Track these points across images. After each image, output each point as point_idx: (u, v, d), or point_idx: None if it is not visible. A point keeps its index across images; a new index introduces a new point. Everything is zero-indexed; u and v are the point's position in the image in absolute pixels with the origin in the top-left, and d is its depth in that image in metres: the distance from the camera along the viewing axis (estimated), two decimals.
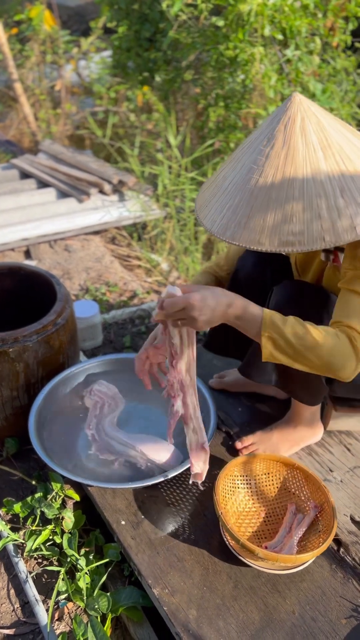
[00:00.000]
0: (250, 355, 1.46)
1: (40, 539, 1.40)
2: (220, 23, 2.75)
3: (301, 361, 1.12)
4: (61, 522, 1.43)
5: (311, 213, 1.05)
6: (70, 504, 1.46)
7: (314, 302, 1.34)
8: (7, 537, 1.41)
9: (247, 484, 1.42)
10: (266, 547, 1.29)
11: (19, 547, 1.44)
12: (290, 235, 1.05)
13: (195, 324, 1.09)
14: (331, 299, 1.34)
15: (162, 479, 1.36)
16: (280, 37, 2.78)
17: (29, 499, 1.47)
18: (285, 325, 1.10)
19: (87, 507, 1.49)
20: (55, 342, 1.57)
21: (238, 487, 1.41)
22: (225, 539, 1.29)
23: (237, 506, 1.39)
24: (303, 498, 1.38)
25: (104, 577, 1.33)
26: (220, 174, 1.18)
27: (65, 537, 1.38)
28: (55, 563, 1.40)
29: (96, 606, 1.26)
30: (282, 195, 1.06)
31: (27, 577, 1.37)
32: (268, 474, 1.43)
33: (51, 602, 1.29)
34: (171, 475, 1.36)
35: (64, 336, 1.60)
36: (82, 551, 1.39)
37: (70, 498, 1.46)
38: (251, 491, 1.42)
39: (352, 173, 1.07)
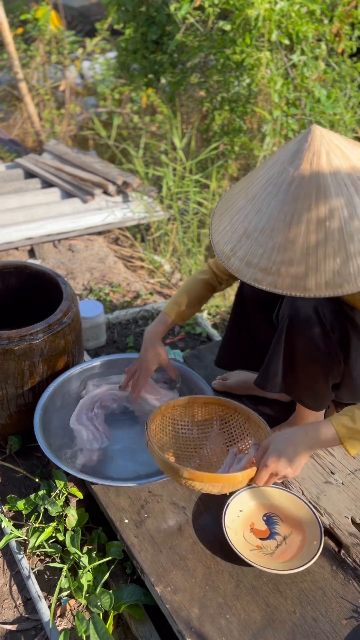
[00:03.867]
0: (265, 368, 1.44)
1: (43, 536, 1.41)
2: (227, 27, 2.77)
3: None
4: (64, 520, 1.44)
5: (356, 256, 1.01)
6: (73, 501, 1.47)
7: (328, 309, 1.33)
8: (10, 533, 1.42)
9: (187, 428, 1.46)
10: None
11: (22, 544, 1.45)
12: (337, 276, 1.01)
13: (290, 476, 1.23)
14: (344, 310, 1.34)
15: (165, 478, 1.37)
16: (286, 42, 2.80)
17: (32, 496, 1.48)
18: (356, 423, 1.16)
19: (90, 505, 1.50)
20: (61, 341, 1.58)
21: (179, 432, 1.45)
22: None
23: (177, 449, 1.43)
24: (245, 440, 1.42)
25: (107, 575, 1.34)
26: (239, 216, 1.11)
27: (68, 534, 1.39)
28: (58, 560, 1.41)
29: (99, 603, 1.27)
30: (321, 238, 1.02)
31: (29, 573, 1.38)
32: (208, 418, 1.48)
33: (54, 599, 1.30)
34: None
35: (70, 335, 1.61)
36: (85, 549, 1.40)
37: (74, 496, 1.47)
38: (192, 436, 1.45)
39: None
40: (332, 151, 1.03)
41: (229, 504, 1.37)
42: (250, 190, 1.11)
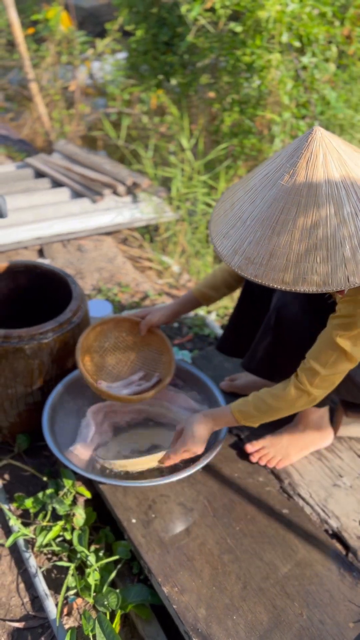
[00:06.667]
0: (253, 350, 1.48)
1: (51, 535, 1.41)
2: (238, 29, 2.77)
3: (273, 418, 1.36)
4: (72, 519, 1.44)
5: (335, 253, 1.03)
6: (81, 500, 1.48)
7: (317, 302, 1.36)
8: (18, 531, 1.42)
9: (118, 343, 1.71)
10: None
11: (29, 542, 1.45)
12: (315, 275, 1.04)
13: (198, 452, 1.40)
14: (335, 304, 1.36)
15: (173, 479, 1.37)
16: (297, 44, 2.80)
17: (40, 494, 1.48)
18: (248, 407, 1.34)
19: (98, 505, 1.51)
20: (70, 340, 1.59)
21: (106, 343, 1.69)
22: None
23: (100, 359, 1.68)
24: (153, 371, 1.69)
25: (113, 574, 1.34)
26: (237, 203, 1.16)
27: (76, 533, 1.39)
28: (65, 559, 1.41)
29: (105, 602, 1.27)
30: (305, 235, 1.04)
31: (36, 571, 1.38)
32: (142, 343, 1.73)
33: (60, 597, 1.31)
34: (183, 475, 1.38)
35: (79, 334, 1.62)
36: (92, 548, 1.40)
37: (81, 495, 1.48)
38: (118, 351, 1.72)
39: None
40: (330, 153, 1.06)
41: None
42: (250, 182, 1.15)
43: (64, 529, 1.43)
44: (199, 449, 1.38)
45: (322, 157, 1.05)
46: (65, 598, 1.34)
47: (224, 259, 1.12)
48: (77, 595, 1.35)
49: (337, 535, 1.38)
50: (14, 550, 1.46)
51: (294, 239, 1.05)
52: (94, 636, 1.22)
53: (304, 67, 2.90)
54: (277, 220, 1.06)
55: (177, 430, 1.42)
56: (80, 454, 1.51)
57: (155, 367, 1.71)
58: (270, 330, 1.42)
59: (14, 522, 1.44)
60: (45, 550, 1.43)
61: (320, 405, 1.48)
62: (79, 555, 1.37)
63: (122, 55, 4.92)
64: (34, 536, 1.43)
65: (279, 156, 1.11)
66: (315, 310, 1.36)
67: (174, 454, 1.38)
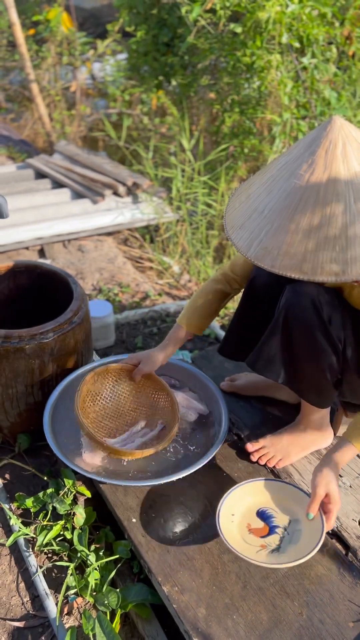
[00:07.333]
0: (259, 349, 1.46)
1: (51, 534, 1.41)
2: (238, 30, 2.77)
3: None
4: (72, 518, 1.44)
5: (354, 242, 1.02)
6: (81, 500, 1.48)
7: (326, 302, 1.35)
8: (19, 531, 1.43)
9: (112, 394, 1.61)
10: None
11: (30, 542, 1.46)
12: (334, 264, 1.03)
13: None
14: (343, 305, 1.35)
15: (174, 479, 1.38)
16: (297, 44, 2.81)
17: (40, 494, 1.48)
18: None
19: (98, 504, 1.51)
20: (70, 341, 1.59)
21: (101, 395, 1.59)
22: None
23: (96, 413, 1.57)
24: (155, 419, 1.59)
25: (113, 574, 1.34)
26: (253, 195, 1.13)
27: (76, 533, 1.40)
28: (65, 558, 1.41)
29: (105, 602, 1.27)
30: (324, 224, 1.03)
31: (37, 571, 1.39)
32: (137, 390, 1.64)
33: (60, 597, 1.31)
34: (183, 475, 1.38)
35: (80, 335, 1.62)
36: (92, 547, 1.41)
37: (82, 494, 1.48)
38: (113, 402, 1.61)
39: None
40: (350, 143, 1.04)
41: (219, 512, 1.33)
42: (266, 173, 1.14)
43: (65, 529, 1.44)
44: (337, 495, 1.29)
45: (342, 146, 1.04)
46: (66, 597, 1.34)
47: (239, 250, 1.11)
48: (77, 594, 1.35)
49: (337, 535, 1.38)
50: (15, 549, 1.46)
51: (312, 227, 1.03)
52: (94, 635, 1.23)
53: (304, 68, 2.91)
54: (296, 210, 1.04)
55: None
56: (88, 463, 1.49)
57: (154, 412, 1.62)
58: (279, 329, 1.39)
59: (15, 522, 1.44)
60: (45, 549, 1.43)
61: (323, 405, 1.48)
62: (79, 555, 1.37)
63: (122, 56, 4.93)
64: (34, 535, 1.44)
65: (296, 147, 1.10)
66: (325, 310, 1.35)
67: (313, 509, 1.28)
